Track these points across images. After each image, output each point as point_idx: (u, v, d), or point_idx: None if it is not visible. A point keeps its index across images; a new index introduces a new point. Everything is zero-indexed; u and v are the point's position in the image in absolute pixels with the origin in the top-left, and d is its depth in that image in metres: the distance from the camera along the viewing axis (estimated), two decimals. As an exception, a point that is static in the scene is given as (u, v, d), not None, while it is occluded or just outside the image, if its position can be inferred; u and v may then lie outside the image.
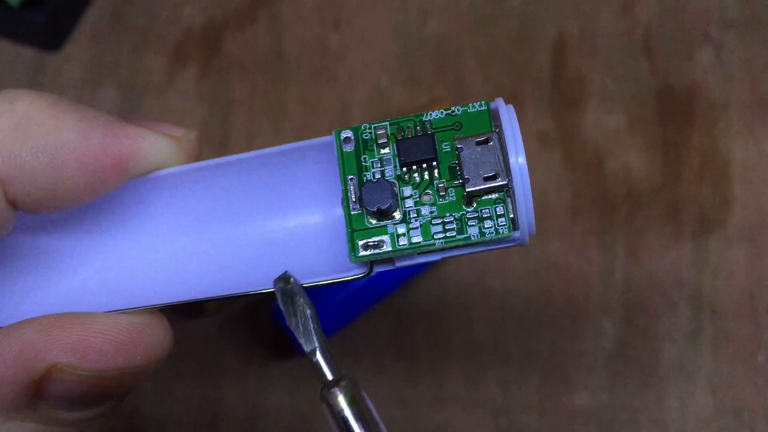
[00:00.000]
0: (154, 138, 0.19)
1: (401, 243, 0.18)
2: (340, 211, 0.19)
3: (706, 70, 0.37)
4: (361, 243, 0.18)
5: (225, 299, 0.19)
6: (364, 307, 0.34)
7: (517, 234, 0.18)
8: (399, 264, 0.18)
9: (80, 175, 0.18)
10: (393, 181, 0.18)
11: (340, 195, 0.18)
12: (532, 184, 0.37)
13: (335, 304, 0.33)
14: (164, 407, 0.34)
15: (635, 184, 0.35)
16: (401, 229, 0.18)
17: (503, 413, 0.33)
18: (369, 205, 0.18)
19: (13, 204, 0.18)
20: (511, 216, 0.18)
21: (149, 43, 0.40)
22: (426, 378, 0.33)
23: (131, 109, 0.38)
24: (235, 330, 0.35)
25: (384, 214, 0.18)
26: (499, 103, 0.18)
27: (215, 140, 0.37)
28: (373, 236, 0.18)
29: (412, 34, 0.39)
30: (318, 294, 0.33)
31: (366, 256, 0.18)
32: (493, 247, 0.18)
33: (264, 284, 0.19)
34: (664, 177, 0.35)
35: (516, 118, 0.18)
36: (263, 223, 0.20)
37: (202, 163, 0.20)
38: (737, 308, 0.33)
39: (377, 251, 0.18)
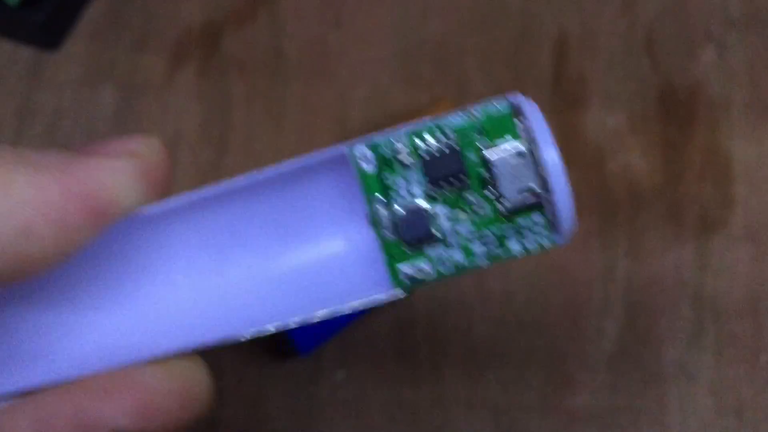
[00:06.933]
0: (112, 164, 0.17)
1: (444, 267, 0.17)
2: (364, 233, 0.18)
3: (708, 69, 0.37)
4: (402, 269, 0.17)
5: (261, 336, 0.18)
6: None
7: (558, 239, 0.17)
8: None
9: (48, 231, 0.16)
10: (425, 206, 0.17)
11: (361, 213, 0.17)
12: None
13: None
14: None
15: (636, 183, 0.35)
16: (441, 252, 0.17)
17: (504, 414, 0.33)
18: (406, 236, 0.17)
19: None
20: (551, 219, 0.17)
21: (148, 42, 0.39)
22: (426, 379, 0.33)
23: (130, 108, 0.38)
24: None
25: (422, 241, 0.17)
26: (522, 102, 0.17)
27: (214, 140, 0.37)
28: (412, 261, 0.17)
29: (412, 33, 0.39)
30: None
31: (407, 284, 0.17)
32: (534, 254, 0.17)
33: (294, 316, 0.18)
34: (665, 177, 0.35)
35: (542, 117, 0.17)
36: (283, 253, 0.18)
37: (201, 193, 0.18)
38: (740, 309, 0.33)
39: (419, 277, 0.17)
